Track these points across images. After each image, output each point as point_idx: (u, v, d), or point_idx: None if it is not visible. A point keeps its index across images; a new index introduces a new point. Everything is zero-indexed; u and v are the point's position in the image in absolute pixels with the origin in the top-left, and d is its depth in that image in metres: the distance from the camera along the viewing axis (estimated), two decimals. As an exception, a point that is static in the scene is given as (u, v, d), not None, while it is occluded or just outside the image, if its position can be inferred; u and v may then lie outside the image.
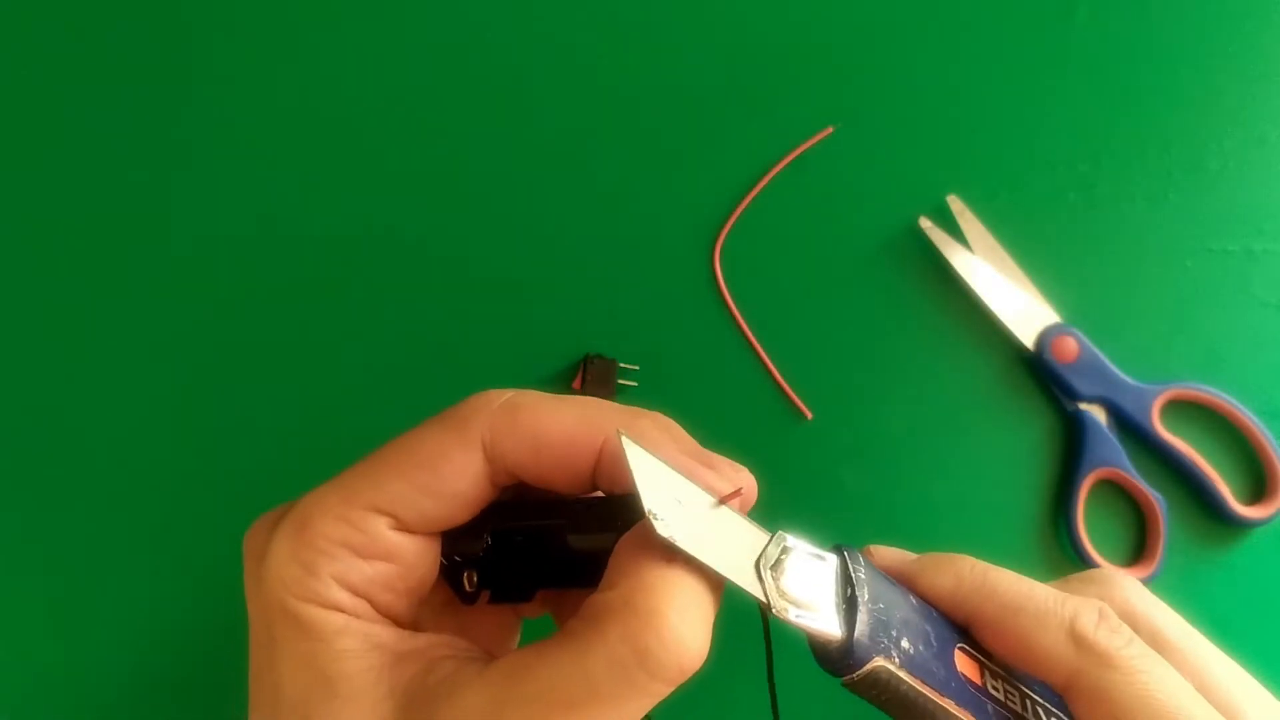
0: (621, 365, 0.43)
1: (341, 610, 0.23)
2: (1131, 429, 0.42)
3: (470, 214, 0.45)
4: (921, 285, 0.44)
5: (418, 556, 0.25)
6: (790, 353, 0.44)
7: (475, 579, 0.26)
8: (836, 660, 0.23)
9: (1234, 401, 0.42)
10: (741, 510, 0.24)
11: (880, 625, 0.24)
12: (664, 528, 0.21)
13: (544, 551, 0.26)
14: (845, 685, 0.24)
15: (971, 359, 0.44)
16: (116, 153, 0.46)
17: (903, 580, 0.27)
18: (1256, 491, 0.42)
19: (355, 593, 0.24)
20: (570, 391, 0.40)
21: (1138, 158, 0.45)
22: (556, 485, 0.25)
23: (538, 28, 0.47)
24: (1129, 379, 0.42)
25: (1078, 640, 0.25)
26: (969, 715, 0.24)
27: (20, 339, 0.45)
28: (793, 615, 0.23)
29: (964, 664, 0.25)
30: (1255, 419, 0.42)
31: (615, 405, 0.25)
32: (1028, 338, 0.43)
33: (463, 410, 0.25)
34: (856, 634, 0.23)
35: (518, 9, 0.47)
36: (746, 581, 0.22)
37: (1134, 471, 0.42)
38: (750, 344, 0.44)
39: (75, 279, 0.45)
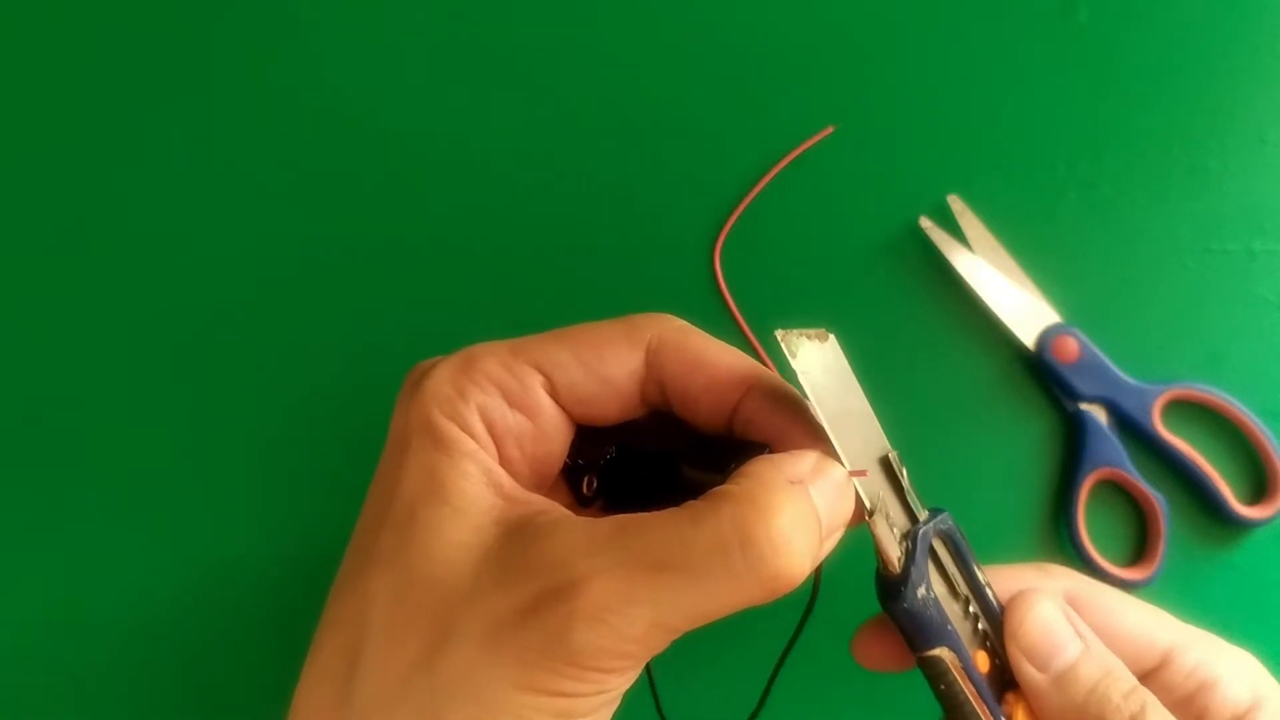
0: (621, 365, 0.43)
1: (475, 439, 0.25)
2: (1132, 429, 0.42)
3: (470, 214, 0.45)
4: (921, 285, 0.44)
5: (554, 428, 0.26)
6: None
7: (594, 484, 0.28)
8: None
9: (1235, 401, 0.42)
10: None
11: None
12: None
13: (663, 476, 0.28)
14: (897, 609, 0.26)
15: (971, 359, 0.44)
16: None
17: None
18: (1257, 491, 0.42)
19: (492, 432, 0.25)
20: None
21: (1138, 158, 0.45)
22: (697, 414, 0.26)
23: (537, 27, 0.47)
24: (1129, 379, 0.42)
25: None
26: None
27: (20, 338, 0.45)
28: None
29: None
30: (1256, 419, 0.42)
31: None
32: (1028, 338, 0.43)
33: (639, 317, 0.26)
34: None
35: (516, 8, 0.47)
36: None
37: (1134, 471, 0.42)
38: (750, 344, 0.44)
39: (86, 262, 0.45)
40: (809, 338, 0.25)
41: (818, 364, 0.25)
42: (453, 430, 0.24)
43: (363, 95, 0.46)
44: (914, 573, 0.26)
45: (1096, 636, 0.28)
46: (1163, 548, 0.41)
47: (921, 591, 0.26)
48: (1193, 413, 0.43)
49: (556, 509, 0.24)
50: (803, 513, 0.22)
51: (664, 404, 0.27)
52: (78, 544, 0.43)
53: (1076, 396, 0.42)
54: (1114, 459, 0.42)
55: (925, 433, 0.44)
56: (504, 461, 0.25)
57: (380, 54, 0.47)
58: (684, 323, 0.27)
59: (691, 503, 0.22)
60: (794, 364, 0.24)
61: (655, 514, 0.22)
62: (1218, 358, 0.43)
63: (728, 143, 0.45)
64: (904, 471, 0.27)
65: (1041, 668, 0.27)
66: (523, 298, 0.44)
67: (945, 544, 0.27)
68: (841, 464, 0.25)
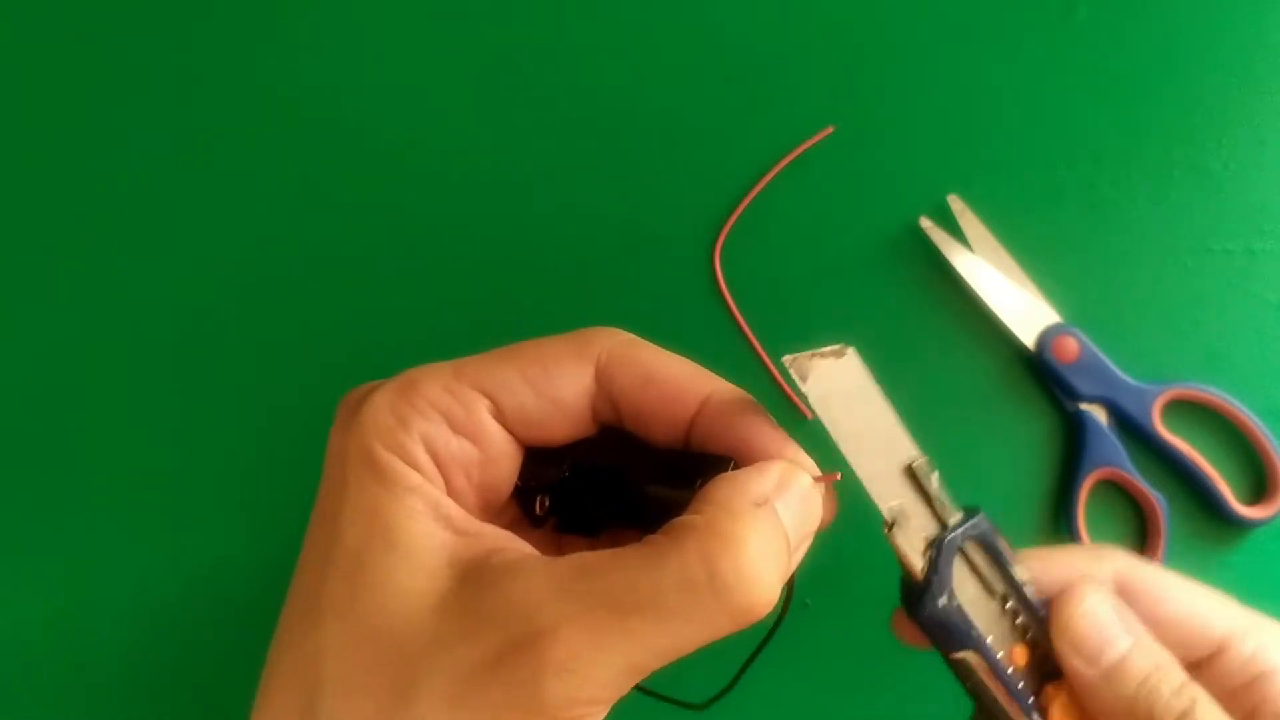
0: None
1: (420, 471, 0.23)
2: (1132, 429, 0.42)
3: (470, 215, 0.45)
4: (921, 285, 0.44)
5: (501, 453, 0.25)
6: (790, 353, 0.44)
7: (547, 504, 0.27)
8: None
9: (1235, 401, 0.42)
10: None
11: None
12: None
13: (619, 494, 0.27)
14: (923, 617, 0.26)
15: (971, 359, 0.44)
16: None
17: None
18: (1257, 491, 0.42)
19: (437, 462, 0.24)
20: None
21: (1138, 158, 0.45)
22: (651, 428, 0.25)
23: (535, 27, 0.47)
24: (1129, 379, 0.42)
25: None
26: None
27: (19, 337, 0.45)
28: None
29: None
30: (1256, 419, 0.42)
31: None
32: (1028, 338, 0.43)
33: (586, 332, 0.25)
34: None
35: (515, 8, 0.47)
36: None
37: (1134, 471, 0.42)
38: (750, 344, 0.44)
39: (90, 258, 0.45)
40: (823, 357, 0.25)
41: (833, 384, 0.25)
42: (395, 464, 0.23)
43: (359, 96, 0.46)
44: (935, 582, 0.26)
45: (1146, 629, 0.27)
46: (1162, 548, 0.41)
47: (943, 600, 0.26)
48: (1193, 413, 0.43)
49: (511, 544, 0.23)
50: (770, 537, 0.22)
51: (617, 421, 0.26)
52: (77, 543, 0.43)
53: (1076, 396, 0.42)
54: (1114, 459, 0.42)
55: (925, 433, 0.43)
56: (451, 492, 0.24)
57: (379, 53, 0.47)
58: (633, 336, 0.26)
59: (653, 538, 0.22)
60: (804, 389, 0.24)
61: (617, 552, 0.21)
62: (1218, 358, 0.43)
63: (728, 143, 0.45)
64: (934, 477, 0.27)
65: (1090, 663, 0.26)
66: (522, 299, 0.44)
67: (979, 546, 0.27)
68: (809, 468, 0.24)
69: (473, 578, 0.22)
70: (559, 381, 0.25)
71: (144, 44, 0.47)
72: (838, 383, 0.25)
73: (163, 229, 0.46)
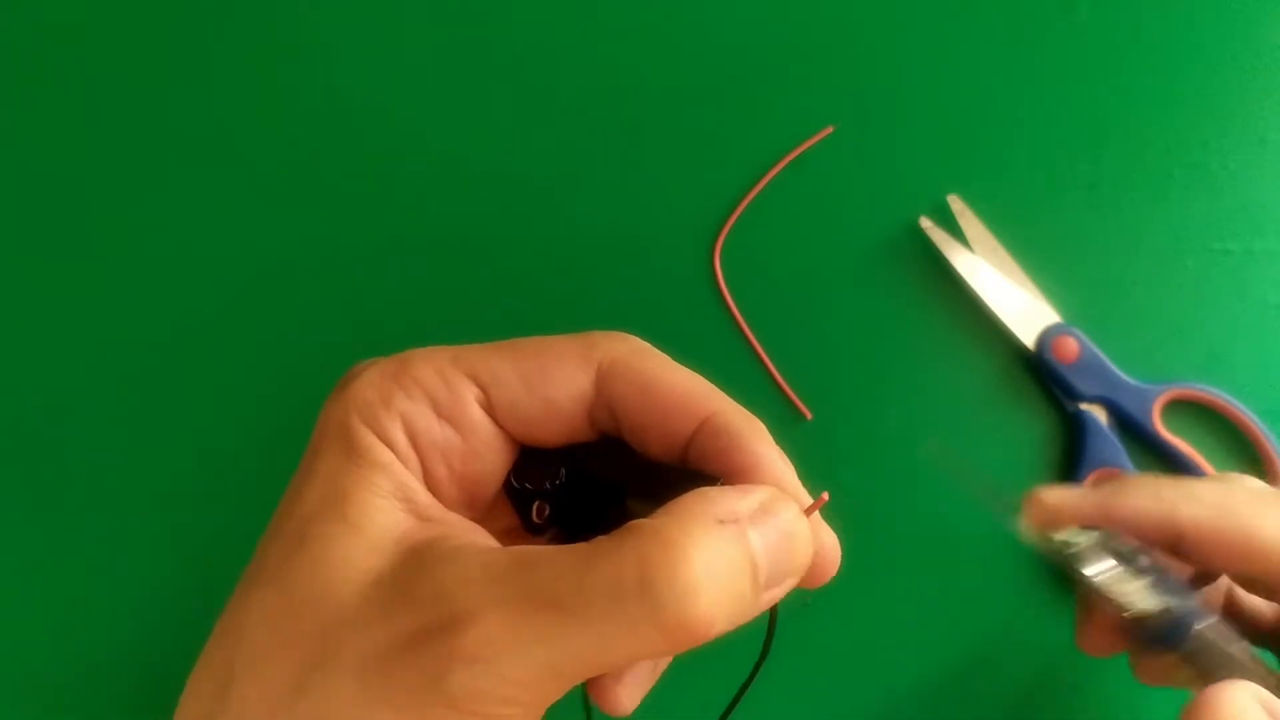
0: (621, 365, 0.43)
1: (393, 449, 0.23)
2: (1132, 429, 0.42)
3: (470, 215, 0.45)
4: (921, 285, 0.44)
5: (489, 446, 0.24)
6: (790, 353, 0.44)
7: (546, 511, 0.26)
8: (1168, 630, 0.27)
9: (1234, 401, 0.42)
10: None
11: (1177, 587, 0.28)
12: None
13: (609, 506, 0.26)
14: (1180, 654, 0.27)
15: (971, 359, 0.44)
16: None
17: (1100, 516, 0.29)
18: (1257, 491, 0.42)
19: (414, 444, 0.23)
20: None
21: (1138, 158, 0.45)
22: (647, 442, 0.24)
23: (535, 26, 0.47)
24: (1129, 379, 0.42)
25: None
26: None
27: (18, 337, 0.45)
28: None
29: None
30: (1256, 419, 0.42)
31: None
32: (1028, 338, 0.43)
33: (594, 335, 0.25)
34: (1175, 604, 0.27)
35: (515, 8, 0.47)
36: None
37: (1135, 471, 0.42)
38: (750, 344, 0.44)
39: (90, 258, 0.45)
40: (1076, 533, 0.27)
41: (1103, 559, 0.27)
42: (367, 438, 0.22)
43: (358, 96, 0.46)
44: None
45: None
46: (1162, 548, 0.41)
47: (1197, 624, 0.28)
48: (1193, 413, 0.43)
49: (468, 534, 0.22)
50: (725, 556, 0.20)
51: (615, 430, 0.25)
52: (78, 542, 0.43)
53: (1076, 396, 0.42)
54: (1114, 459, 0.42)
55: (926, 433, 0.44)
56: (428, 478, 0.23)
57: (377, 52, 0.47)
58: (643, 344, 0.24)
59: (600, 538, 0.20)
60: (1086, 571, 0.26)
61: (558, 547, 0.20)
62: (1218, 358, 0.43)
63: (728, 143, 0.45)
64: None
65: None
66: (522, 299, 0.44)
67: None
68: (801, 501, 0.22)
69: (413, 559, 0.21)
70: (556, 382, 0.24)
71: (144, 43, 0.47)
72: (1102, 556, 0.27)
73: (163, 229, 0.46)
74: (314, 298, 0.45)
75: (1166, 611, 0.27)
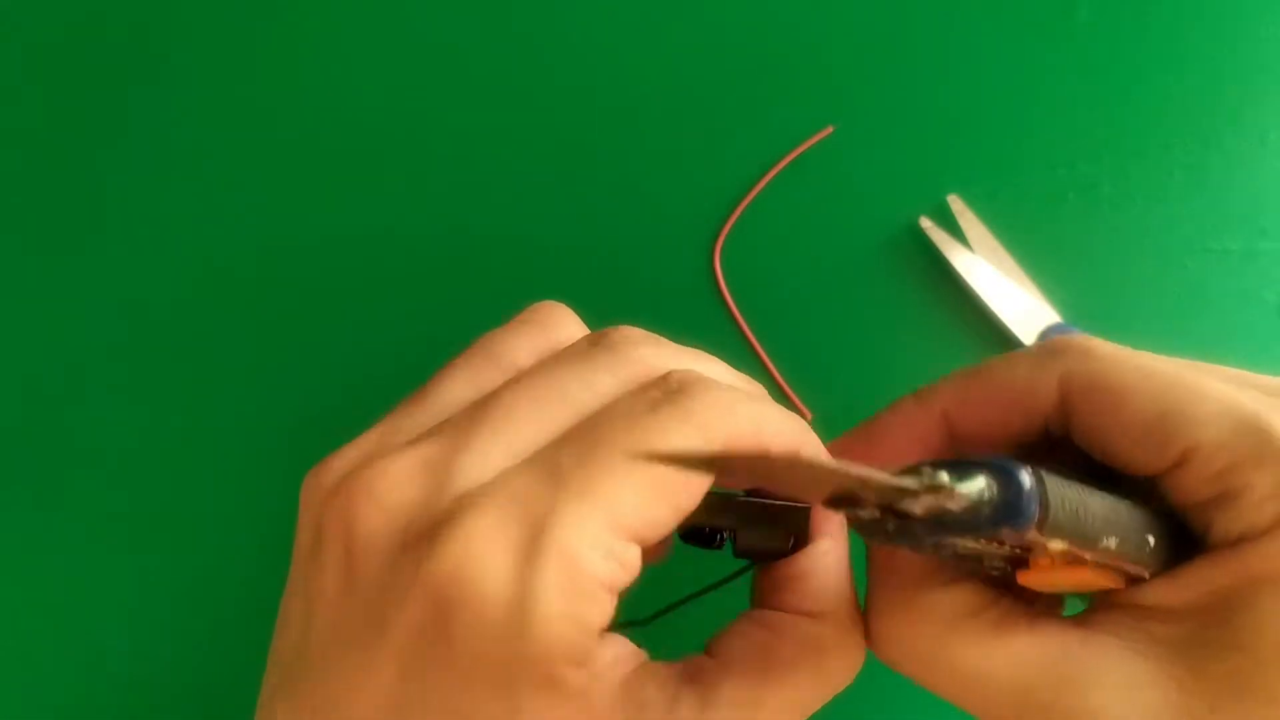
0: (621, 365, 0.43)
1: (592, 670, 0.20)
2: (1132, 429, 0.42)
3: (467, 214, 0.45)
4: (921, 285, 0.44)
5: (649, 555, 0.22)
6: (790, 353, 0.44)
7: (725, 538, 0.27)
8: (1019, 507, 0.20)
9: (1234, 401, 0.42)
10: None
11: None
12: None
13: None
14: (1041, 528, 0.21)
15: (972, 359, 0.44)
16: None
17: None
18: (1257, 492, 0.42)
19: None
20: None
21: (1138, 158, 0.45)
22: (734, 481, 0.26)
23: (534, 27, 0.47)
24: (1129, 379, 0.42)
25: None
26: None
27: (18, 336, 0.45)
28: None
29: None
30: (1256, 419, 0.42)
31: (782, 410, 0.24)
32: (1028, 338, 0.43)
33: (708, 420, 0.22)
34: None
35: (514, 8, 0.47)
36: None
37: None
38: (750, 344, 0.44)
39: (89, 257, 0.45)
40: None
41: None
42: (580, 680, 0.20)
43: (357, 95, 0.46)
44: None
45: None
46: (1162, 548, 0.41)
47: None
48: (1192, 413, 0.43)
49: (640, 671, 0.21)
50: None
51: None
52: (78, 541, 0.43)
53: (1076, 396, 0.42)
54: (1114, 459, 0.42)
55: (925, 433, 0.43)
56: None
57: (377, 52, 0.47)
58: (754, 407, 0.24)
59: (787, 656, 0.24)
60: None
61: (766, 679, 0.23)
62: (1217, 358, 0.43)
63: (728, 143, 0.45)
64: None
65: None
66: (522, 299, 0.44)
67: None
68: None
69: None
70: (697, 495, 0.22)
71: (143, 43, 0.47)
72: None
73: (162, 229, 0.46)
74: (313, 297, 0.45)
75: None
